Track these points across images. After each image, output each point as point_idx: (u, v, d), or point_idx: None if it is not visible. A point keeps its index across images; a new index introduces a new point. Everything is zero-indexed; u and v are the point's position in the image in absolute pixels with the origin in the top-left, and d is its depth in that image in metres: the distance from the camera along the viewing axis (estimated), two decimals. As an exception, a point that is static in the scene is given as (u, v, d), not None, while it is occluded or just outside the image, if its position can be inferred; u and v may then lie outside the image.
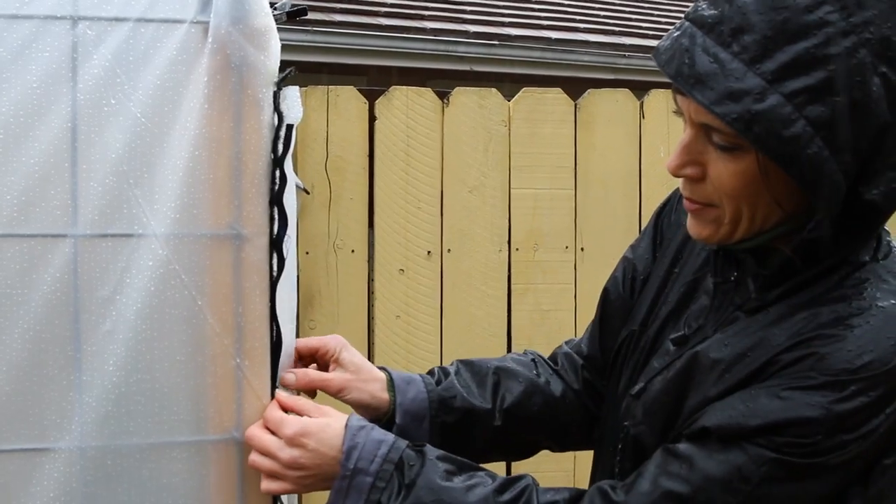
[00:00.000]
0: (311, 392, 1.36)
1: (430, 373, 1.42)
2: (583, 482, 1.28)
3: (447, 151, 2.61)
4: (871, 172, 1.05)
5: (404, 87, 2.60)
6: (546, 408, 1.42)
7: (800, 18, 1.01)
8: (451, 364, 1.44)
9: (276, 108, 1.22)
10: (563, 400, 1.43)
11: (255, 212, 1.22)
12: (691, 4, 1.10)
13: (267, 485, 1.21)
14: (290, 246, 1.26)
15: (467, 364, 1.43)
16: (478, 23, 7.85)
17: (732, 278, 1.20)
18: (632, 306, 1.36)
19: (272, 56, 1.21)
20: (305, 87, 2.43)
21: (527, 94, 2.70)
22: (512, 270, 2.69)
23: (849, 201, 1.06)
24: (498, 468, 1.41)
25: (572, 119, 2.74)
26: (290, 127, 1.23)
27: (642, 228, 1.44)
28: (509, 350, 2.67)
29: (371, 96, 2.56)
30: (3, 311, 1.15)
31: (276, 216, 1.23)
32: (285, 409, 1.24)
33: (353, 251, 2.54)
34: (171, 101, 1.19)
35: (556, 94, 2.73)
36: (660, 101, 2.81)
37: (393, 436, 1.21)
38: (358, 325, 2.55)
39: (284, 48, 1.25)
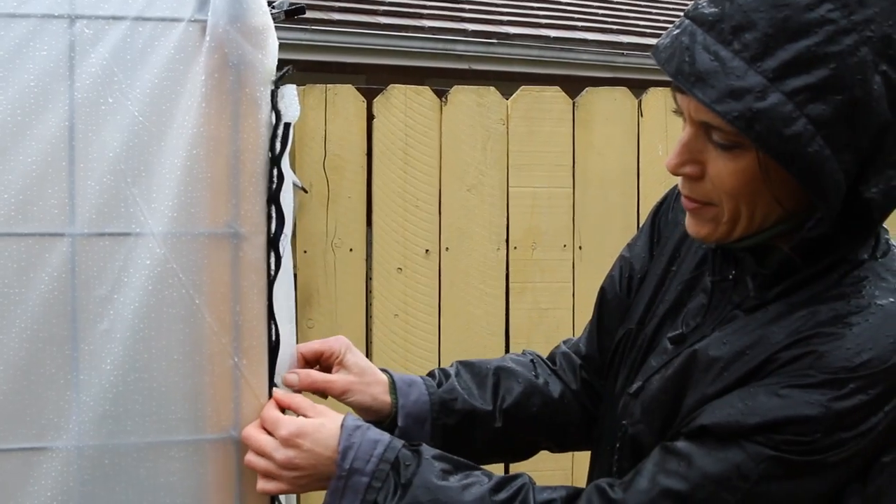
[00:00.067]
0: (322, 395, 1.36)
1: (431, 374, 1.41)
2: (581, 481, 1.28)
3: (445, 150, 2.61)
4: (871, 171, 1.05)
5: (402, 85, 2.60)
6: (545, 408, 1.42)
7: (801, 16, 1.01)
8: (451, 365, 1.44)
9: (274, 107, 1.22)
10: (561, 400, 1.43)
11: (252, 210, 1.22)
12: (691, 2, 1.10)
13: (263, 485, 1.22)
14: (286, 244, 1.25)
15: (467, 365, 1.43)
16: (476, 21, 7.85)
17: (731, 277, 1.20)
18: (629, 305, 1.36)
19: (270, 54, 1.21)
20: (303, 85, 2.43)
21: (525, 93, 2.70)
22: (510, 269, 2.69)
23: (848, 200, 1.06)
24: (496, 467, 1.41)
25: (570, 117, 2.73)
26: (287, 125, 1.23)
27: (640, 226, 1.44)
28: (507, 348, 2.67)
29: (369, 95, 2.56)
30: (1, 310, 1.15)
31: (274, 215, 1.23)
32: (283, 407, 1.24)
33: (351, 250, 2.54)
34: (169, 99, 1.19)
35: (555, 93, 2.73)
36: (658, 99, 2.81)
37: (389, 435, 1.21)
38: (356, 323, 2.54)
39: (282, 47, 1.25)
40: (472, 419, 1.38)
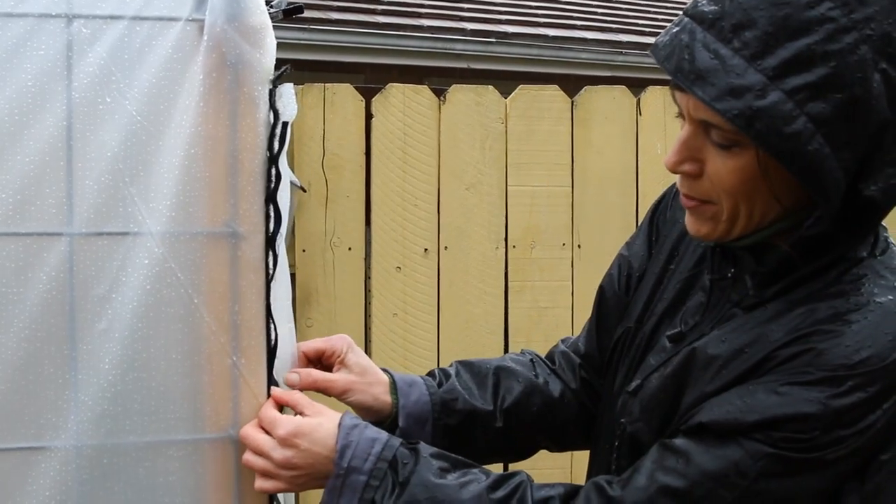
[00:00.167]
0: (323, 394, 1.36)
1: (431, 374, 1.41)
2: (580, 479, 1.27)
3: (444, 149, 2.61)
4: (871, 169, 1.05)
5: (401, 84, 2.60)
6: (545, 408, 1.42)
7: (801, 15, 1.01)
8: (451, 365, 1.43)
9: (272, 106, 1.22)
10: (561, 399, 1.43)
11: (251, 209, 1.21)
12: (690, 1, 1.10)
13: (261, 484, 1.21)
14: (281, 243, 1.25)
15: (466, 365, 1.43)
16: (475, 20, 7.86)
17: (729, 275, 1.20)
18: (627, 303, 1.36)
19: (268, 54, 1.21)
20: (302, 84, 2.43)
21: (523, 92, 2.70)
22: (509, 268, 2.69)
23: (848, 197, 1.06)
24: (495, 466, 1.41)
25: (569, 116, 2.74)
26: (285, 124, 1.23)
27: (638, 225, 1.44)
28: (507, 347, 2.67)
29: (368, 94, 2.56)
30: (-1, 309, 1.15)
31: (272, 214, 1.23)
32: (281, 405, 1.24)
33: (349, 249, 2.54)
34: (167, 98, 1.19)
35: (553, 92, 2.73)
36: (656, 97, 2.81)
37: (387, 434, 1.21)
38: (355, 322, 2.54)
39: (280, 46, 1.25)
40: (472, 419, 1.38)
